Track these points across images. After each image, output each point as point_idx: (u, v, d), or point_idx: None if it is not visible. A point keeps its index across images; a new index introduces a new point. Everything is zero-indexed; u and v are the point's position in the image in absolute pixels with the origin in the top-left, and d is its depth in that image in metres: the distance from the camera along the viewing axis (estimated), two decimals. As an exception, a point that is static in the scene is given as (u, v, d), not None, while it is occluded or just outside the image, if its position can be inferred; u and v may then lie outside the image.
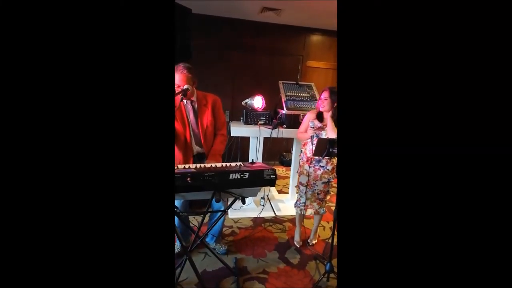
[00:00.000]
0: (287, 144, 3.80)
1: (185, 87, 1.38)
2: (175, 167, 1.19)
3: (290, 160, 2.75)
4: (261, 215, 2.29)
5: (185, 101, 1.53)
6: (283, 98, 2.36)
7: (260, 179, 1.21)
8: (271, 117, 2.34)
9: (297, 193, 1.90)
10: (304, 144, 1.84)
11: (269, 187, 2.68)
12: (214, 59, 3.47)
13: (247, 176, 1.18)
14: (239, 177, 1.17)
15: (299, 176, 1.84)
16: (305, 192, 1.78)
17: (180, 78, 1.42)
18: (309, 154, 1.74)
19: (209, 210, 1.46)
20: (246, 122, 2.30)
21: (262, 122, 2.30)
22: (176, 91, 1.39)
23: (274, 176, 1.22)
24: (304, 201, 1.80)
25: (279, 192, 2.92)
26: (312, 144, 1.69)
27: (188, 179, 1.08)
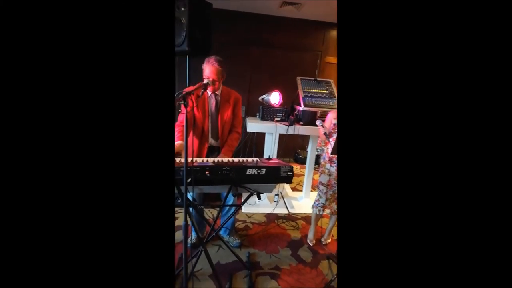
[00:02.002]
0: (303, 141, 3.76)
1: (206, 81, 1.40)
2: (194, 160, 1.22)
3: (305, 157, 2.72)
4: (275, 212, 2.29)
5: (209, 93, 1.55)
6: (301, 95, 2.32)
7: (277, 176, 1.21)
8: (288, 113, 2.31)
9: (311, 191, 1.87)
10: (326, 143, 1.80)
11: (283, 184, 2.68)
12: (232, 54, 3.46)
13: (264, 172, 1.18)
14: (256, 172, 1.17)
15: (320, 175, 1.80)
16: (325, 192, 1.74)
17: (210, 71, 1.45)
18: (331, 154, 1.71)
19: (225, 204, 1.47)
20: (263, 118, 2.30)
21: (279, 119, 2.28)
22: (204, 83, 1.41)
23: (291, 173, 1.22)
24: (323, 202, 1.77)
25: (293, 189, 2.90)
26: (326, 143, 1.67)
27: (207, 172, 1.10)
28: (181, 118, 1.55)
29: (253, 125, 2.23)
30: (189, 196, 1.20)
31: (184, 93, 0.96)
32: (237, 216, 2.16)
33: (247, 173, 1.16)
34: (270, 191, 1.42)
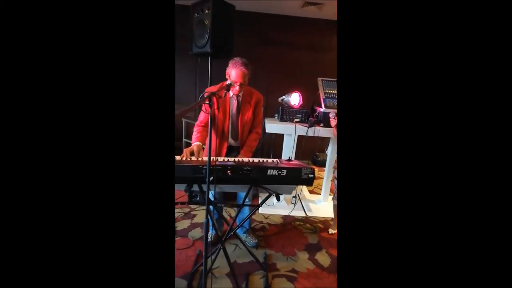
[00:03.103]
0: (322, 143, 3.69)
1: (228, 82, 1.42)
2: (215, 159, 1.24)
3: (323, 160, 2.66)
4: (292, 214, 2.26)
5: (231, 93, 1.55)
6: (322, 96, 2.28)
7: (298, 177, 1.19)
8: (308, 114, 2.28)
9: (330, 195, 1.88)
10: None
11: (301, 186, 2.65)
12: (252, 54, 3.48)
13: (284, 173, 1.17)
14: (276, 173, 1.17)
15: (334, 171, 1.99)
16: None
17: (237, 75, 1.43)
18: None
19: (244, 203, 1.48)
20: (282, 119, 2.28)
21: (298, 120, 2.26)
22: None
23: (312, 176, 1.20)
24: None
25: (311, 192, 2.85)
26: None
27: (228, 171, 1.12)
28: (201, 118, 1.57)
29: (272, 126, 2.22)
30: (210, 194, 1.22)
31: (209, 93, 0.98)
32: (253, 217, 2.16)
33: (268, 173, 1.16)
34: (290, 192, 1.41)
